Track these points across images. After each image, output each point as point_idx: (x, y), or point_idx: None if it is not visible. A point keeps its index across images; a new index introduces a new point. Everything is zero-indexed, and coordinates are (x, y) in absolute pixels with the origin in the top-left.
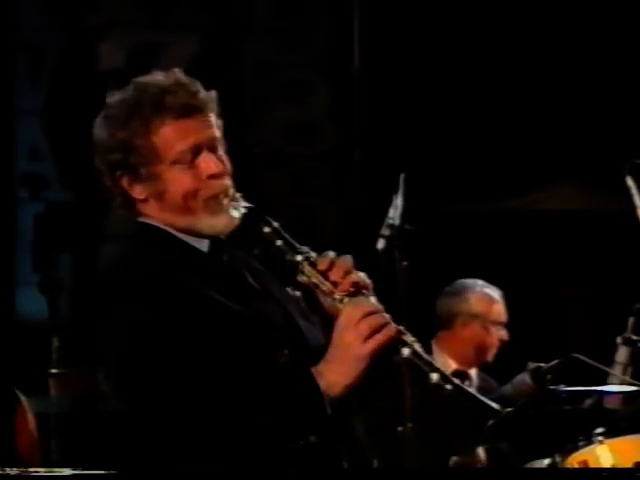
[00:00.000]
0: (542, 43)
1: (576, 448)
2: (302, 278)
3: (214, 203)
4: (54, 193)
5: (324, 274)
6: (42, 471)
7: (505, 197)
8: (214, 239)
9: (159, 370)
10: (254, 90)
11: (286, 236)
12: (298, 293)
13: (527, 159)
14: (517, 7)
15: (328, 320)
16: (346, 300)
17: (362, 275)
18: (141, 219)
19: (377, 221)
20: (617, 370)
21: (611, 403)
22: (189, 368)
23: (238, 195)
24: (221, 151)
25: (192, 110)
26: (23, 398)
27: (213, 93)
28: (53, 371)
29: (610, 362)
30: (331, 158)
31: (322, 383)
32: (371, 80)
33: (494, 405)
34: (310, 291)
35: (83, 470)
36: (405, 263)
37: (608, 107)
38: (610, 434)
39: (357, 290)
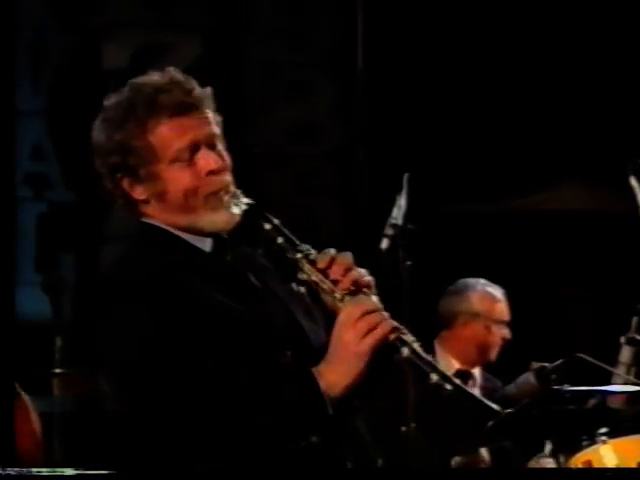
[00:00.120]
0: (545, 43)
1: (580, 448)
2: (302, 276)
3: (214, 200)
4: (57, 193)
5: (324, 272)
6: (45, 471)
7: (509, 197)
8: (217, 239)
9: (161, 371)
10: (258, 90)
11: (287, 233)
12: (302, 289)
13: (531, 159)
14: (521, 6)
15: (330, 317)
16: (347, 299)
17: (363, 272)
18: (143, 220)
19: (380, 221)
20: (621, 370)
21: (615, 403)
22: (191, 369)
23: (239, 191)
24: (220, 147)
25: (187, 108)
26: (27, 398)
27: (209, 90)
28: (56, 371)
29: (614, 362)
30: (334, 158)
31: (322, 383)
32: (375, 80)
33: (494, 406)
34: (312, 288)
35: (86, 470)
36: (409, 263)
37: (612, 107)
38: (614, 434)
39: (357, 288)
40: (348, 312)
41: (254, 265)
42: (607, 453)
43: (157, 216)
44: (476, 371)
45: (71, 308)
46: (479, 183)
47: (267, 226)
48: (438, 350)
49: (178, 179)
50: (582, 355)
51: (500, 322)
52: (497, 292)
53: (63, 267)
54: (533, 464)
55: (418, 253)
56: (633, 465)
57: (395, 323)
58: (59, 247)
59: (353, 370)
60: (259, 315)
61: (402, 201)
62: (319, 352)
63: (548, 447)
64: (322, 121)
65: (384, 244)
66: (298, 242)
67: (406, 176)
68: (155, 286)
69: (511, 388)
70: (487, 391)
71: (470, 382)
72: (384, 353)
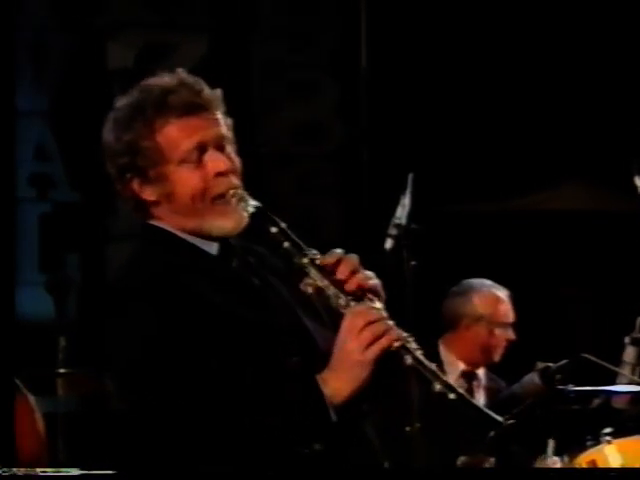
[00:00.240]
0: (547, 43)
1: (584, 448)
2: (308, 281)
3: (222, 203)
4: (61, 193)
5: (330, 275)
6: (50, 471)
7: (511, 197)
8: (224, 243)
9: (165, 373)
10: (262, 90)
11: (293, 237)
12: (311, 290)
13: (533, 159)
14: (523, 6)
15: (338, 319)
16: (352, 304)
17: (370, 274)
18: (152, 222)
19: (383, 221)
20: (625, 370)
21: (619, 403)
22: (194, 372)
23: (246, 194)
24: (229, 149)
25: (196, 108)
26: (31, 398)
27: (218, 91)
28: (60, 371)
29: (618, 362)
30: (338, 158)
31: (326, 390)
32: (378, 80)
33: (497, 416)
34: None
35: (90, 470)
36: (413, 263)
37: (614, 107)
38: (618, 434)
39: (363, 294)
40: (352, 320)
41: (264, 266)
42: (612, 453)
43: (166, 218)
44: (480, 371)
45: (75, 308)
46: (481, 183)
47: (274, 229)
48: (442, 350)
49: (186, 180)
50: (586, 355)
51: (504, 324)
52: (501, 293)
53: (67, 267)
54: (538, 464)
55: (422, 253)
56: (638, 465)
57: (400, 332)
58: (63, 247)
59: (357, 378)
60: (263, 320)
61: (406, 201)
62: (325, 357)
63: (550, 446)
64: (325, 121)
65: (388, 244)
66: (305, 246)
67: (410, 176)
68: (161, 289)
69: (516, 388)
70: (491, 391)
71: (474, 383)
72: (388, 361)
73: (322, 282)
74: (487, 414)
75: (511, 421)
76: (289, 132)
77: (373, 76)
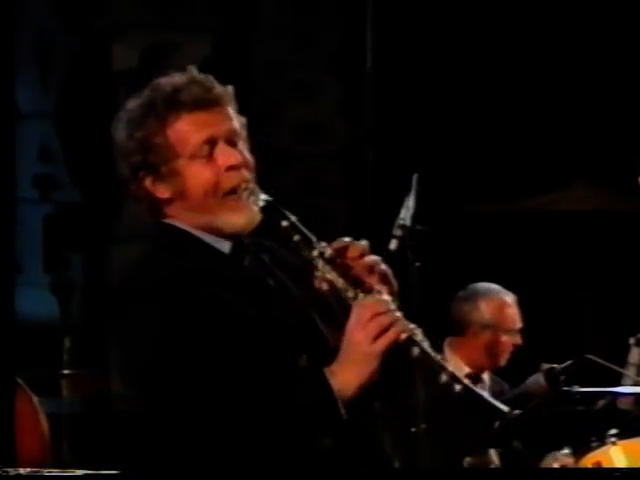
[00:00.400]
0: (556, 43)
1: (589, 449)
2: (317, 274)
3: (233, 199)
4: (65, 194)
5: (339, 267)
6: (56, 471)
7: (519, 198)
8: (236, 241)
9: (177, 374)
10: (265, 90)
11: (304, 230)
12: (325, 286)
13: (541, 160)
14: (531, 6)
15: (349, 314)
16: (360, 297)
17: (378, 259)
18: (165, 221)
19: (388, 222)
20: (630, 371)
21: (624, 404)
22: (205, 372)
23: (257, 188)
24: (242, 145)
25: (207, 104)
26: (35, 399)
27: (230, 88)
28: (65, 372)
29: (623, 363)
30: (342, 158)
31: (335, 384)
32: (382, 80)
33: (503, 407)
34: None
35: (96, 471)
36: (418, 264)
37: (622, 107)
38: (623, 435)
39: (371, 287)
40: (359, 313)
41: (276, 263)
42: (617, 454)
43: (179, 217)
44: (485, 375)
45: (80, 309)
46: (488, 184)
47: (284, 223)
48: (447, 352)
49: (198, 175)
50: (591, 356)
51: (511, 330)
52: (508, 298)
53: (71, 268)
54: (549, 462)
55: (427, 254)
56: None
57: (407, 323)
58: (67, 248)
59: (366, 370)
60: (274, 319)
61: (410, 202)
62: (336, 354)
63: (565, 450)
64: (329, 121)
65: (393, 245)
66: (315, 240)
67: (415, 177)
68: (171, 288)
69: (521, 389)
70: (495, 394)
71: (479, 385)
72: (396, 353)
73: (331, 275)
74: (493, 405)
75: (517, 412)
76: (292, 132)
77: (377, 75)
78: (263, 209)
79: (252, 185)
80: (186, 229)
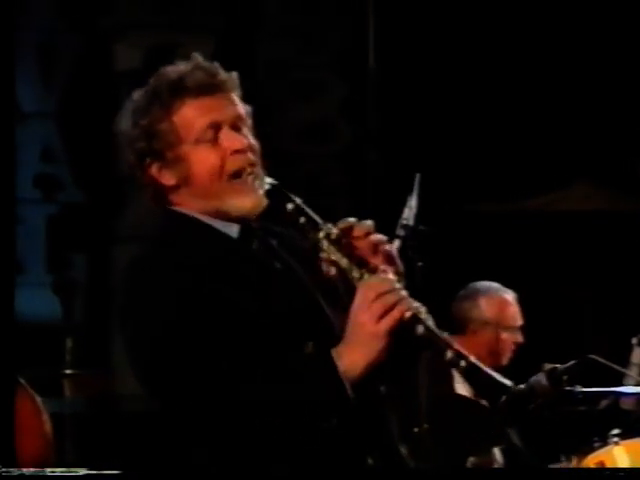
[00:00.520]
0: (556, 44)
1: (592, 449)
2: (323, 255)
3: (239, 182)
4: (67, 194)
5: (344, 248)
6: (59, 471)
7: (520, 197)
8: (244, 225)
9: (186, 358)
10: (268, 90)
11: (309, 212)
12: (333, 270)
13: (543, 160)
14: (534, 6)
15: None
16: (365, 277)
17: (384, 238)
18: (173, 208)
19: (391, 222)
20: (633, 371)
21: (627, 404)
22: (213, 355)
23: (262, 171)
24: (246, 131)
25: (211, 89)
26: (38, 399)
27: (234, 74)
28: (67, 372)
29: (626, 363)
30: (345, 158)
31: (342, 365)
32: (385, 80)
33: (507, 382)
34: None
35: (99, 470)
36: (420, 264)
37: (622, 108)
38: (626, 435)
39: (376, 267)
40: (364, 293)
41: (285, 247)
42: (619, 454)
43: (185, 203)
44: None
45: (82, 309)
46: (490, 184)
47: (290, 206)
48: None
49: (203, 159)
50: (594, 356)
51: (512, 327)
52: (508, 296)
53: (74, 268)
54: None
55: (429, 254)
56: None
57: (412, 301)
58: (70, 248)
59: (372, 350)
60: (282, 302)
61: (413, 202)
62: (342, 336)
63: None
64: (333, 121)
65: (395, 245)
66: (321, 221)
67: (417, 177)
68: (181, 274)
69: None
70: None
71: None
72: (402, 332)
73: (335, 255)
74: (498, 380)
75: (521, 386)
76: (296, 132)
77: (381, 76)
78: (268, 192)
79: (257, 169)
80: (193, 215)
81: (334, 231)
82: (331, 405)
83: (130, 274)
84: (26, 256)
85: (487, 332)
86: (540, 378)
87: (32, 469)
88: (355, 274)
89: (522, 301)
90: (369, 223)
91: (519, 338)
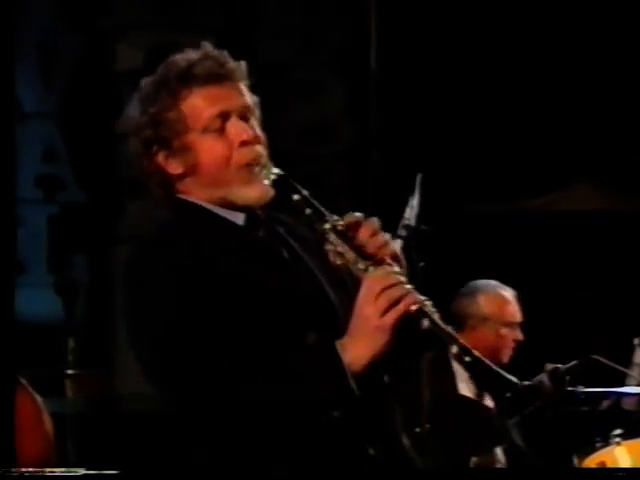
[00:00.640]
0: (556, 45)
1: (594, 449)
2: (328, 247)
3: (246, 172)
4: (69, 195)
5: (351, 240)
6: (59, 471)
7: (521, 197)
8: (250, 213)
9: (191, 343)
10: (269, 90)
11: (315, 204)
12: (339, 261)
13: (543, 160)
14: (533, 8)
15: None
16: (371, 269)
17: (389, 238)
18: (179, 196)
19: (392, 222)
20: (635, 371)
21: (629, 404)
22: (218, 342)
23: (269, 162)
24: (254, 122)
25: (220, 78)
26: (39, 399)
27: (243, 63)
28: (69, 372)
29: (628, 363)
30: (347, 158)
31: (345, 357)
32: (387, 80)
33: (512, 378)
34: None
35: (99, 470)
36: (422, 264)
37: (623, 108)
38: (628, 435)
39: (382, 258)
40: (369, 286)
41: (292, 235)
42: (621, 455)
43: (191, 192)
44: None
45: (83, 309)
46: (491, 184)
47: (296, 197)
48: None
49: (210, 149)
50: (596, 357)
51: (511, 324)
52: (507, 293)
53: (75, 268)
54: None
55: (431, 254)
56: None
57: (417, 295)
58: (71, 248)
59: (376, 344)
60: (287, 290)
61: (414, 202)
62: (347, 326)
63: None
64: (334, 121)
65: (397, 245)
66: (327, 213)
67: (419, 177)
68: (186, 260)
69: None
70: None
71: None
72: (407, 326)
73: (342, 247)
74: (503, 375)
75: (526, 383)
76: (296, 132)
77: (382, 76)
78: (275, 183)
79: (264, 159)
80: (199, 203)
81: (340, 223)
82: (334, 398)
83: (130, 269)
84: (27, 256)
85: (486, 328)
86: (543, 378)
87: (32, 469)
88: (360, 266)
89: (522, 301)
90: (375, 222)
91: (519, 335)
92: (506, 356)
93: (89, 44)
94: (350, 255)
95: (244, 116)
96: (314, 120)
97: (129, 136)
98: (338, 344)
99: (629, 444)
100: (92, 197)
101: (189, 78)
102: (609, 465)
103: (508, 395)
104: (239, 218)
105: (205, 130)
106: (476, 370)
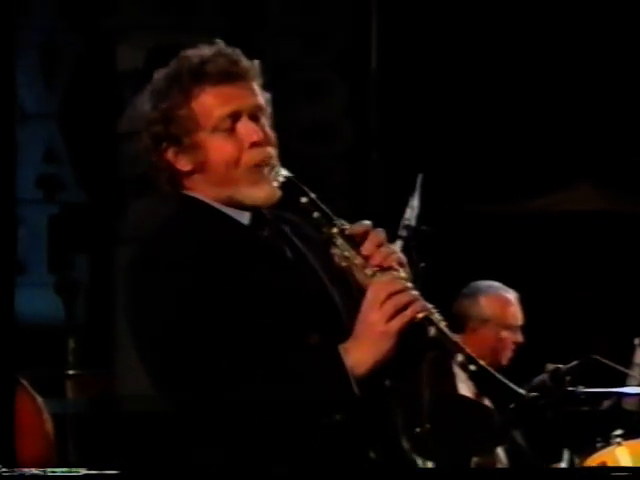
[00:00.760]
0: (557, 45)
1: (595, 449)
2: (335, 251)
3: (255, 173)
4: (70, 195)
5: (357, 247)
6: (60, 471)
7: (521, 198)
8: (255, 212)
9: (195, 341)
10: (271, 90)
11: (323, 207)
12: (345, 263)
13: (545, 160)
14: (533, 8)
15: (362, 292)
16: (377, 275)
17: (395, 249)
18: (185, 192)
19: (393, 222)
20: (636, 371)
21: (630, 404)
22: (222, 340)
23: (278, 164)
24: (264, 121)
25: (232, 77)
26: (39, 399)
27: (256, 62)
28: (69, 372)
29: (629, 364)
30: (348, 158)
31: (348, 361)
32: (388, 81)
33: (518, 389)
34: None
35: (100, 470)
36: (422, 264)
37: (624, 109)
38: (629, 435)
39: (388, 265)
40: (375, 292)
41: (298, 235)
42: (622, 455)
43: (199, 189)
44: None
45: (84, 309)
46: (492, 184)
47: (304, 200)
48: None
49: (220, 149)
50: (597, 357)
51: (512, 326)
52: (509, 296)
53: (76, 268)
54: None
55: (431, 255)
56: None
57: (424, 303)
58: (72, 248)
59: (380, 349)
60: (292, 290)
61: (415, 202)
62: (351, 330)
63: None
64: (334, 121)
65: (397, 246)
66: (334, 217)
67: (419, 177)
68: (190, 258)
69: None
70: None
71: None
72: (412, 332)
73: (349, 252)
74: (509, 386)
75: (533, 394)
76: (297, 132)
77: (383, 76)
78: (283, 185)
79: (274, 160)
80: (205, 200)
81: (347, 226)
82: (336, 402)
83: (133, 267)
84: (28, 256)
85: (487, 330)
86: (543, 378)
87: (32, 469)
88: (367, 271)
89: (523, 301)
90: (381, 232)
91: (519, 337)
92: (505, 358)
93: (90, 44)
94: (357, 260)
95: (255, 116)
96: (315, 120)
97: (140, 132)
98: (342, 347)
99: (630, 444)
100: (93, 197)
101: (201, 76)
102: (610, 465)
103: (513, 406)
104: (244, 217)
105: (215, 129)
106: (481, 379)
